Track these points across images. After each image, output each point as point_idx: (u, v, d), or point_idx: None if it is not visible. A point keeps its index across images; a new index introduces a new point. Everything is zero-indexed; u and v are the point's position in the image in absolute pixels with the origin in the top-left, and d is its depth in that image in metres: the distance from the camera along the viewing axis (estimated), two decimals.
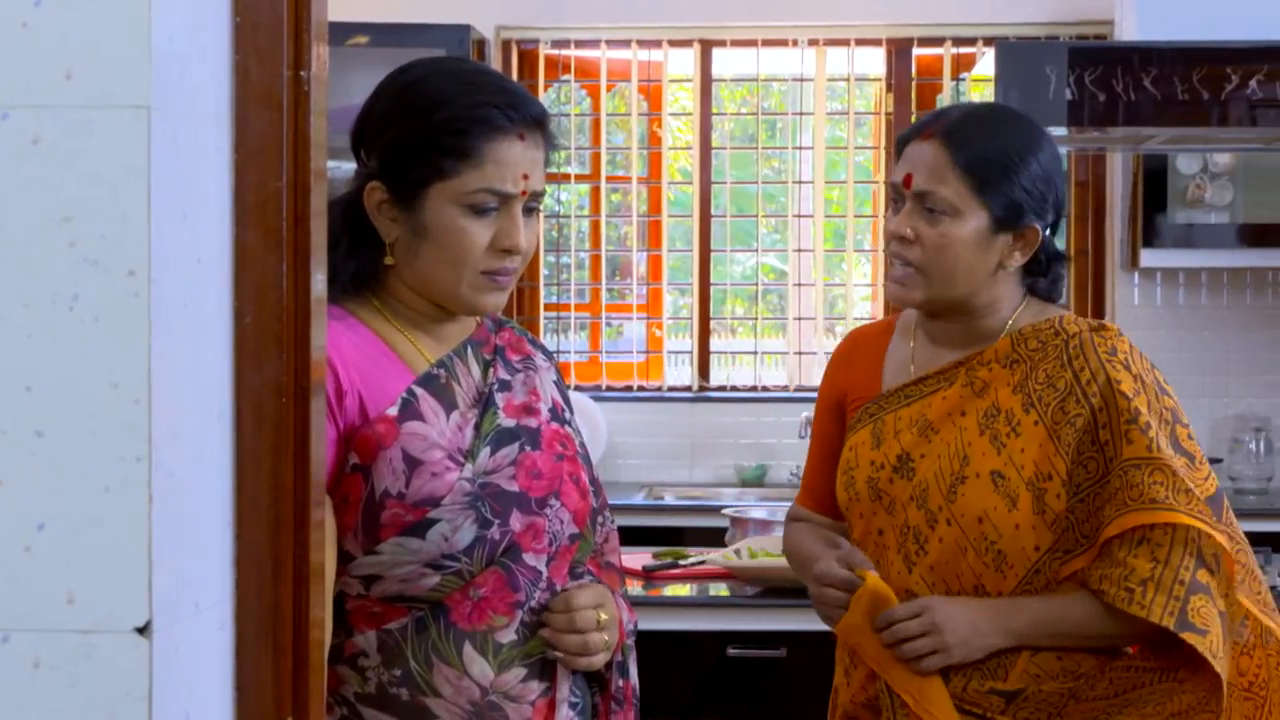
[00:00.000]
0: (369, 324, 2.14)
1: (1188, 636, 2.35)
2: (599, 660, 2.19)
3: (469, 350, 2.21)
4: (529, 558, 2.13)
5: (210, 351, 1.33)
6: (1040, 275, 2.58)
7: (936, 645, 2.44)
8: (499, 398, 2.19)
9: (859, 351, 2.75)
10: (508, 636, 2.12)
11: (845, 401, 2.71)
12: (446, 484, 2.06)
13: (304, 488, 1.38)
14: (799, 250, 6.85)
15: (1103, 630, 2.45)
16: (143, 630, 1.22)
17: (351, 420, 2.05)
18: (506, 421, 2.17)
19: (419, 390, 2.11)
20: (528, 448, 2.17)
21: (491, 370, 2.21)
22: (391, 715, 2.08)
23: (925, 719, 2.44)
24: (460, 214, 2.10)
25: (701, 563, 4.10)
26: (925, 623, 2.44)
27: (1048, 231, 2.55)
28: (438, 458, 2.07)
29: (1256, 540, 4.27)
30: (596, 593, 2.20)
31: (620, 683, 2.27)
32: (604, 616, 2.18)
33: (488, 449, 2.13)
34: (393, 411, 2.07)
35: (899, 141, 2.61)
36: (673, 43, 6.68)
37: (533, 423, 2.20)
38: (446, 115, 2.09)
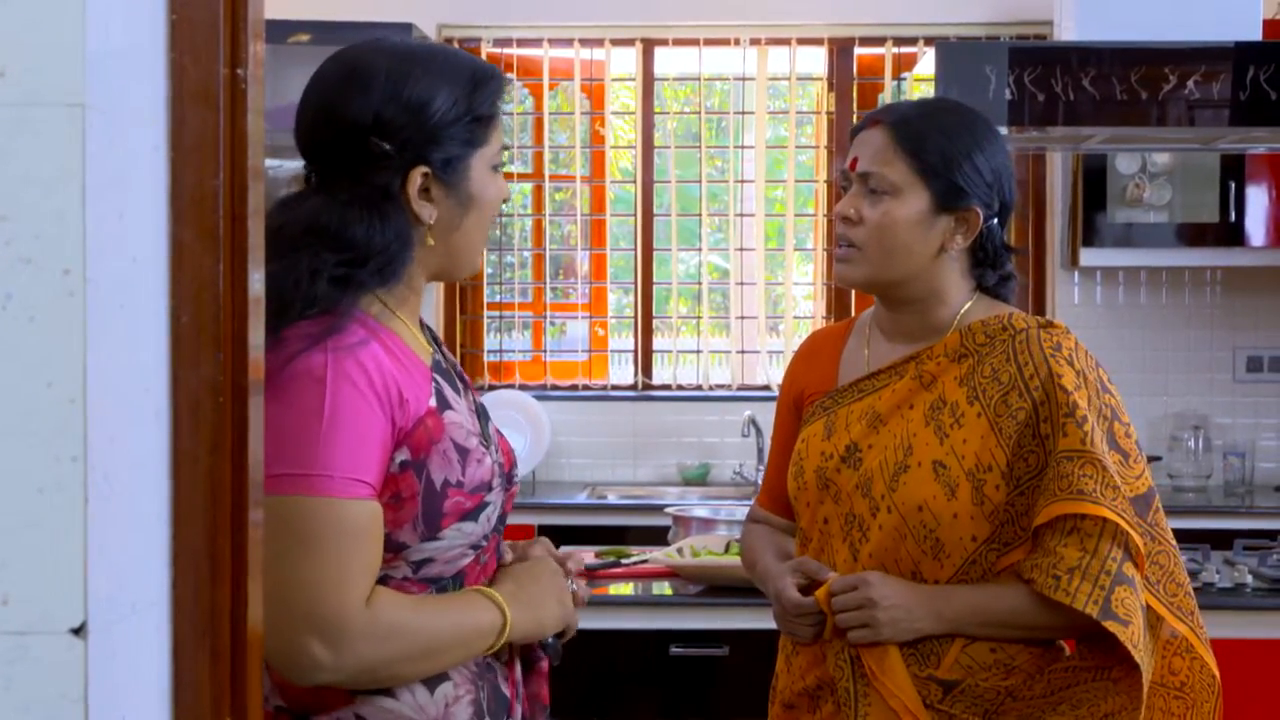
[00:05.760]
0: (382, 321, 2.11)
1: (1110, 625, 2.38)
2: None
3: (422, 330, 2.21)
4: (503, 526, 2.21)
5: (147, 351, 1.32)
6: (987, 266, 2.61)
7: (867, 619, 2.47)
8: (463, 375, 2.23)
9: (818, 351, 2.80)
10: None
11: (802, 399, 2.74)
12: (488, 468, 2.11)
13: (242, 488, 1.37)
14: (741, 249, 6.86)
15: (1034, 620, 2.47)
16: (78, 632, 1.21)
17: (405, 426, 2.04)
18: (476, 399, 2.21)
19: (438, 379, 2.12)
20: (491, 423, 2.22)
21: (442, 349, 2.23)
22: None
23: (882, 690, 2.48)
24: (492, 176, 2.17)
25: (644, 562, 4.11)
26: (861, 596, 2.48)
27: (994, 222, 2.58)
28: (475, 444, 2.10)
29: (1195, 538, 4.30)
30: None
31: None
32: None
33: (487, 428, 2.18)
34: (433, 403, 2.08)
35: (852, 132, 2.68)
36: (615, 42, 6.68)
37: (478, 399, 2.25)
38: (479, 85, 2.14)
